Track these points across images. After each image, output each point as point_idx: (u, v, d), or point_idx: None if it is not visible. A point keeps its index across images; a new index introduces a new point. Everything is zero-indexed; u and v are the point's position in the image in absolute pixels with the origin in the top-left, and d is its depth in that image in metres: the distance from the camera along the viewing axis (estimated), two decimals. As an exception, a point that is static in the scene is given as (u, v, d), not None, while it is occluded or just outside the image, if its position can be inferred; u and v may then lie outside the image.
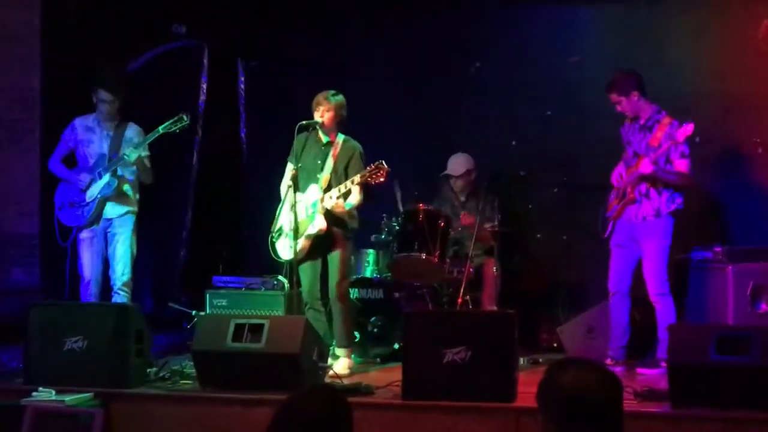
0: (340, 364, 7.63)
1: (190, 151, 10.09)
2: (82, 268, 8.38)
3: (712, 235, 8.73)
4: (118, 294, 8.37)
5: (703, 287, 8.09)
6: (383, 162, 7.40)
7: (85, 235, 8.37)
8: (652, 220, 7.60)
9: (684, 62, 8.99)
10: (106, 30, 9.84)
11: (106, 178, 8.30)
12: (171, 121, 8.27)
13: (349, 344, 7.85)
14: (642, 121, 7.70)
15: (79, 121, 8.51)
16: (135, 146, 8.26)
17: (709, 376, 5.96)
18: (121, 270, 8.38)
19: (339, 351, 7.77)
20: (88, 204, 8.31)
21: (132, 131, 8.50)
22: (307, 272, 7.81)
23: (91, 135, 8.46)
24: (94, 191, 8.31)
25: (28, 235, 9.65)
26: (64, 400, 6.42)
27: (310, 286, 7.83)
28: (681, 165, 7.56)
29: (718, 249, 8.05)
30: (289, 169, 7.82)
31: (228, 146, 10.69)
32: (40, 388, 6.56)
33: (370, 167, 7.45)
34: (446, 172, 9.24)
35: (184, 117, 8.26)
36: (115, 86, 8.44)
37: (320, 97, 7.81)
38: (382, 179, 7.43)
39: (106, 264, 8.41)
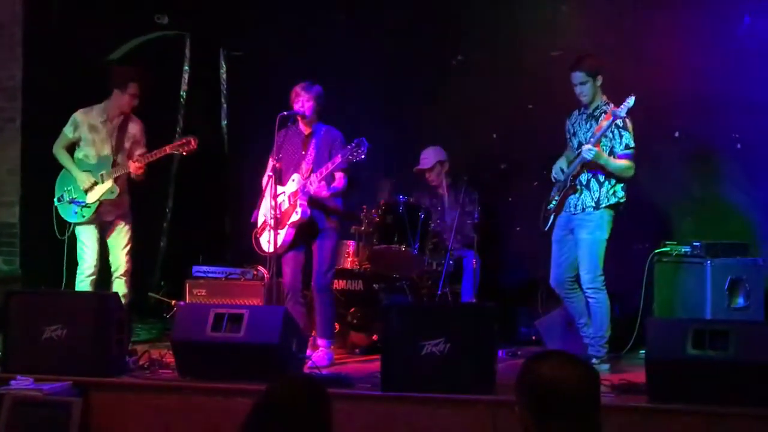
0: (320, 355, 7.64)
1: (170, 140, 10.07)
2: (81, 257, 8.37)
3: (688, 230, 8.79)
4: (120, 280, 8.40)
5: (679, 281, 8.12)
6: (364, 139, 7.42)
7: (87, 227, 8.37)
8: (591, 212, 7.49)
9: (665, 59, 9.01)
10: (89, 19, 9.82)
11: (109, 184, 8.30)
12: (179, 143, 8.32)
13: (329, 335, 7.87)
14: (589, 110, 7.67)
15: (82, 118, 8.44)
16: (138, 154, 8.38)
17: (686, 371, 5.99)
18: (124, 257, 8.42)
19: (319, 342, 7.79)
20: (88, 206, 8.30)
21: (135, 127, 8.52)
22: (289, 263, 7.83)
23: (95, 135, 8.41)
24: (96, 194, 8.30)
25: (8, 224, 9.64)
26: (42, 389, 6.42)
27: (292, 276, 7.85)
28: (624, 156, 7.49)
29: (696, 243, 8.08)
30: (271, 162, 7.81)
31: (209, 136, 10.68)
32: (18, 377, 6.55)
33: (351, 145, 7.47)
34: (418, 166, 9.29)
35: (192, 141, 8.29)
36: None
37: (298, 88, 7.83)
38: (363, 156, 7.43)
39: (104, 251, 8.44)
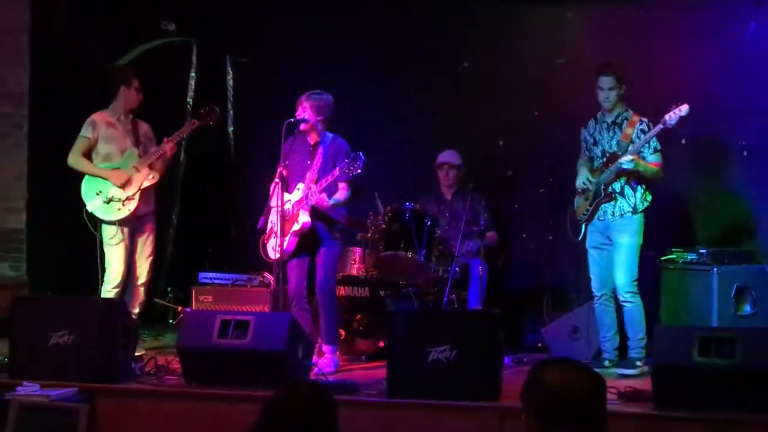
0: (326, 361, 7.64)
1: (178, 147, 10.09)
2: (110, 266, 8.33)
3: (693, 237, 8.79)
4: (142, 288, 8.42)
5: (686, 289, 8.11)
6: (360, 153, 7.43)
7: (122, 231, 8.35)
8: (629, 216, 7.54)
9: (670, 64, 9.01)
10: (96, 26, 9.84)
11: (146, 171, 8.34)
12: (203, 114, 8.57)
13: (334, 342, 7.86)
14: (611, 118, 7.68)
15: (99, 118, 8.44)
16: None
17: (693, 378, 5.98)
18: (148, 266, 8.47)
19: (324, 348, 7.78)
20: (132, 198, 8.29)
21: (144, 126, 8.61)
22: (294, 270, 7.82)
23: (114, 131, 8.43)
24: (136, 184, 8.31)
25: (15, 230, 9.65)
26: (48, 395, 6.42)
27: (297, 283, 7.84)
28: (654, 159, 7.54)
29: (703, 251, 8.08)
30: (279, 169, 7.81)
31: (216, 143, 10.68)
32: (25, 383, 6.55)
33: (347, 160, 7.48)
34: (444, 159, 9.24)
35: (216, 109, 8.57)
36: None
37: (303, 96, 7.83)
38: (359, 171, 7.42)
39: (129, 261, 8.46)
